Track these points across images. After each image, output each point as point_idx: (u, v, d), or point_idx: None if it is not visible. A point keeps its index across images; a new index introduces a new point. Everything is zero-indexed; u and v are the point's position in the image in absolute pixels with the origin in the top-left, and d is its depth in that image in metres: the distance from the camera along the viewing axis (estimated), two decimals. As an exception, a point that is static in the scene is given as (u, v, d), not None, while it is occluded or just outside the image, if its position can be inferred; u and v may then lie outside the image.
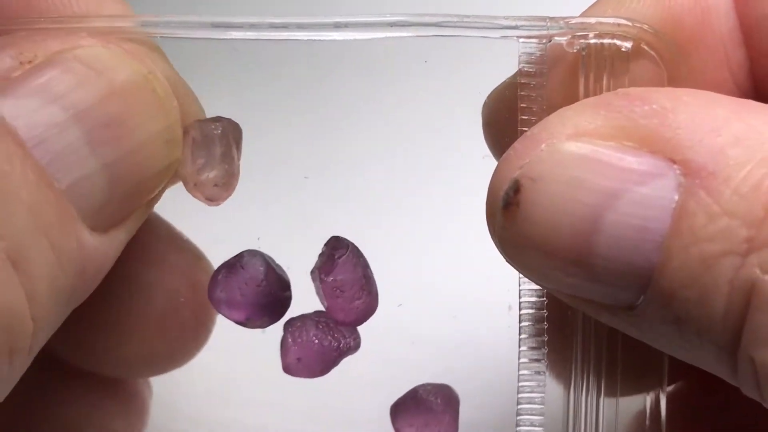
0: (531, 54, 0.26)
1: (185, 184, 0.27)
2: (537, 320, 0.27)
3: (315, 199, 0.40)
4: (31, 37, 0.25)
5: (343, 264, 0.29)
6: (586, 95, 0.25)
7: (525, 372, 0.27)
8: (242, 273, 0.29)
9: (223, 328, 0.32)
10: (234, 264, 0.29)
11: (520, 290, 0.27)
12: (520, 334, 0.27)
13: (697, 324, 0.21)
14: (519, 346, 0.27)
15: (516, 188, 0.23)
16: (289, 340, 0.29)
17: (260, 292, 0.29)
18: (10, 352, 0.22)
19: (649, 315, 0.22)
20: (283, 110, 0.42)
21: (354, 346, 0.29)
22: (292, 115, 0.42)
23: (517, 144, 0.24)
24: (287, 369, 0.29)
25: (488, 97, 0.29)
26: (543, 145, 0.23)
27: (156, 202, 0.27)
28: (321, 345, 0.29)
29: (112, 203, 0.25)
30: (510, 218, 0.23)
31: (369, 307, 0.29)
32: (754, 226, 0.21)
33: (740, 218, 0.21)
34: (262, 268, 0.29)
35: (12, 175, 0.22)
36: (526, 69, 0.26)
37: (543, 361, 0.27)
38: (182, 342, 0.33)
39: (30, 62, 0.24)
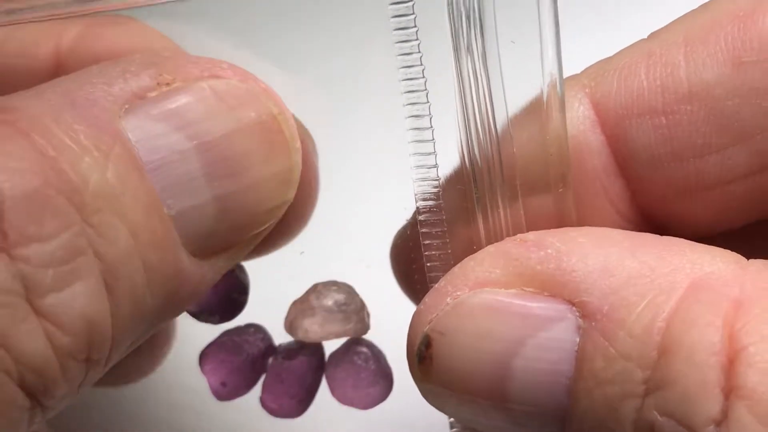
0: (427, 198, 0.26)
1: None
2: None
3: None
4: (175, 60, 0.24)
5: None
6: (487, 237, 0.26)
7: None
8: None
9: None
10: None
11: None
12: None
13: None
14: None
15: (427, 343, 0.24)
16: (206, 371, 0.30)
17: (216, 291, 0.29)
18: (87, 360, 0.22)
19: None
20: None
21: (264, 346, 0.30)
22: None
23: (426, 298, 0.25)
24: (219, 397, 0.30)
25: (393, 240, 0.30)
26: (448, 299, 0.24)
27: (263, 236, 0.26)
28: (232, 362, 0.30)
29: (217, 234, 0.24)
30: (426, 371, 0.24)
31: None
32: (649, 367, 0.21)
33: (635, 360, 0.21)
34: None
35: (123, 196, 0.22)
36: (423, 209, 0.26)
37: None
38: None
39: (168, 84, 0.24)
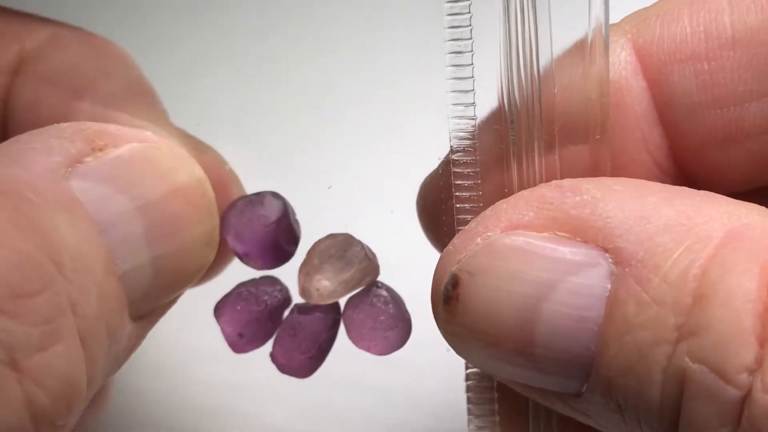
0: (462, 138, 0.26)
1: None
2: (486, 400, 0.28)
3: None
4: (104, 127, 0.26)
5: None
6: (520, 182, 0.26)
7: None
8: (258, 209, 0.29)
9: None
10: (255, 199, 0.29)
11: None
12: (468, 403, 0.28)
13: (636, 413, 0.22)
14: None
15: (455, 282, 0.23)
16: (222, 322, 0.29)
17: (267, 233, 0.29)
18: (68, 409, 0.22)
19: (594, 402, 0.23)
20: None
21: (282, 297, 0.30)
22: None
23: (455, 239, 0.24)
24: (236, 349, 0.29)
25: (423, 181, 0.29)
26: (479, 239, 0.23)
27: (176, 302, 0.27)
28: (250, 313, 0.29)
29: (152, 294, 0.25)
30: (451, 312, 0.24)
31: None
32: (683, 313, 0.21)
33: (669, 306, 0.21)
34: (278, 213, 0.29)
35: (88, 257, 0.23)
36: (457, 148, 0.26)
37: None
38: None
39: (101, 150, 0.25)
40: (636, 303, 0.21)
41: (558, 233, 0.23)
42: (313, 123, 0.30)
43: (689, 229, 0.22)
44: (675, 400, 0.21)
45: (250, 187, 0.30)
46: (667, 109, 0.27)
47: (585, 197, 0.23)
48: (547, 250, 0.23)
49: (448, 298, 0.24)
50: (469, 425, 0.28)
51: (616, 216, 0.22)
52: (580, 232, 0.23)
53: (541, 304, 0.22)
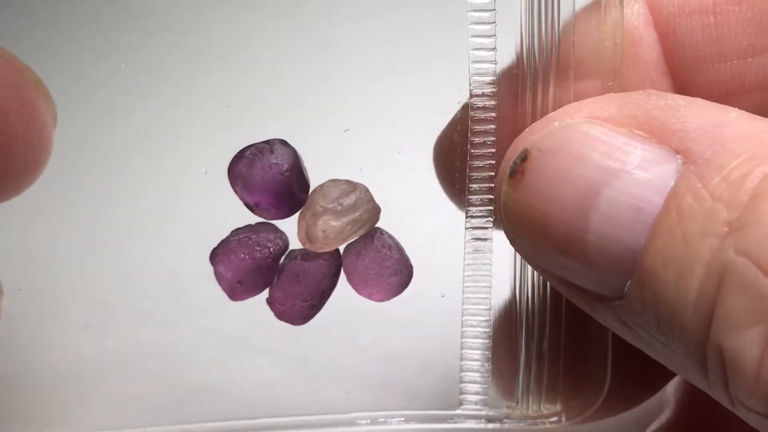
0: (481, 83, 0.27)
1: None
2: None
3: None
4: None
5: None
6: (533, 114, 0.27)
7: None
8: (269, 157, 0.28)
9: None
10: (264, 147, 0.28)
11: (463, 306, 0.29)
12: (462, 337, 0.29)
13: (670, 310, 0.22)
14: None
15: (524, 157, 0.24)
16: (221, 269, 0.28)
17: (280, 181, 0.28)
18: None
19: (634, 307, 0.23)
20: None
21: (284, 244, 0.29)
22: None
23: (534, 123, 0.25)
24: (233, 296, 0.29)
25: (441, 133, 0.30)
26: (557, 122, 0.24)
27: None
28: (253, 258, 0.28)
29: None
30: (514, 185, 0.24)
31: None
32: (736, 210, 0.21)
33: (724, 202, 0.21)
34: (290, 160, 0.28)
35: None
36: (475, 92, 0.27)
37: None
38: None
39: None
40: (693, 196, 0.22)
41: (635, 131, 0.23)
42: (328, 65, 0.30)
43: (761, 141, 0.22)
44: (711, 298, 0.21)
45: (261, 133, 0.29)
46: (675, 61, 0.28)
47: (669, 102, 0.23)
48: (620, 143, 0.23)
49: (513, 172, 0.24)
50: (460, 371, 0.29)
51: (694, 121, 0.23)
52: (657, 133, 0.23)
53: (601, 190, 0.23)
